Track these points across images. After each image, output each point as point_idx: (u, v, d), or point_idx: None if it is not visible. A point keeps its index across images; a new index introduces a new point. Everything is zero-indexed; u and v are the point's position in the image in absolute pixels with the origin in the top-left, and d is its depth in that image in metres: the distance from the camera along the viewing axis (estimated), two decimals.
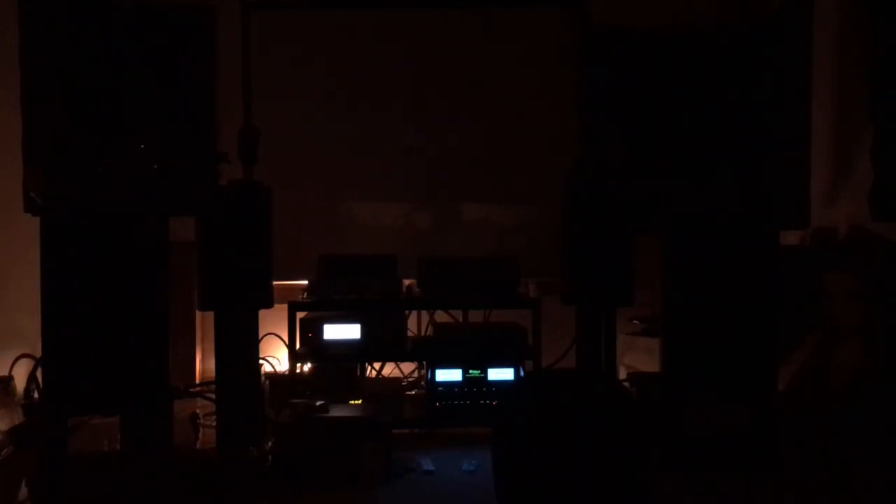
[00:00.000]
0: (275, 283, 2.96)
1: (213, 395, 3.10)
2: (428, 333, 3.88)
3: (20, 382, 3.33)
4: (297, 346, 3.28)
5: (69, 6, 3.77)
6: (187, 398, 3.44)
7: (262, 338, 3.13)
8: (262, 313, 2.95)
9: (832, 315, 3.14)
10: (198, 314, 3.94)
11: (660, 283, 2.88)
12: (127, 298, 2.69)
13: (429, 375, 3.24)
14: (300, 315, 3.31)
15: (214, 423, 2.96)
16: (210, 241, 2.84)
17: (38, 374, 3.28)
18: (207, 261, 2.84)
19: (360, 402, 3.06)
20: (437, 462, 2.83)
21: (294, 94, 3.91)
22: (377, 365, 3.84)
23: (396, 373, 3.91)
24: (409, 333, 3.78)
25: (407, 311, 3.72)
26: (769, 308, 2.82)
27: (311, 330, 3.28)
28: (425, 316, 3.94)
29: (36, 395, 3.35)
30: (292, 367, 3.31)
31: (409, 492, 2.58)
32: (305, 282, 3.46)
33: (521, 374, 3.25)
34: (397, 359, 3.75)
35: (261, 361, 3.38)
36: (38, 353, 2.97)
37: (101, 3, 3.83)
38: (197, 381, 3.92)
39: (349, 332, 3.30)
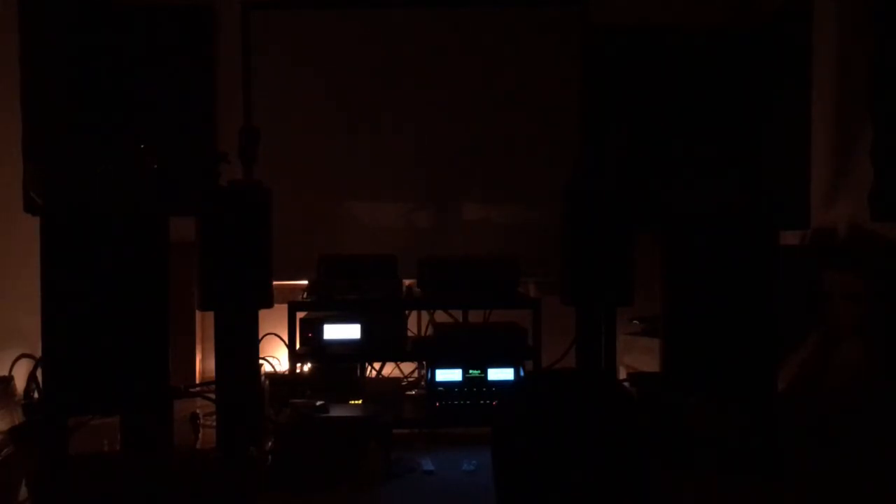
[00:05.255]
0: (275, 283, 2.96)
1: (213, 395, 3.10)
2: (428, 333, 3.88)
3: (20, 382, 3.33)
4: (297, 346, 3.28)
5: (69, 7, 3.77)
6: (187, 398, 3.44)
7: (262, 338, 3.13)
8: (262, 313, 2.95)
9: (832, 315, 3.14)
10: (198, 314, 3.94)
11: (660, 283, 2.88)
12: (127, 298, 2.69)
13: (429, 375, 3.24)
14: (300, 315, 3.31)
15: (214, 423, 2.96)
16: (210, 241, 2.84)
17: (38, 374, 3.28)
18: (207, 261, 2.84)
19: (360, 402, 3.06)
20: (437, 462, 2.83)
21: (294, 93, 3.92)
22: (377, 365, 3.84)
23: (396, 373, 3.91)
24: (409, 333, 3.78)
25: (407, 311, 3.71)
26: (769, 308, 2.82)
27: (311, 330, 3.28)
28: (425, 316, 3.94)
29: (36, 395, 3.35)
30: (292, 367, 3.31)
31: (409, 492, 2.58)
32: (305, 282, 3.46)
33: (521, 374, 3.25)
34: (397, 359, 3.75)
35: (261, 361, 3.38)
36: (38, 353, 2.97)
37: (101, 3, 3.83)
38: (197, 381, 3.92)
39: (349, 332, 3.30)
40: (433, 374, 3.22)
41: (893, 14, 3.00)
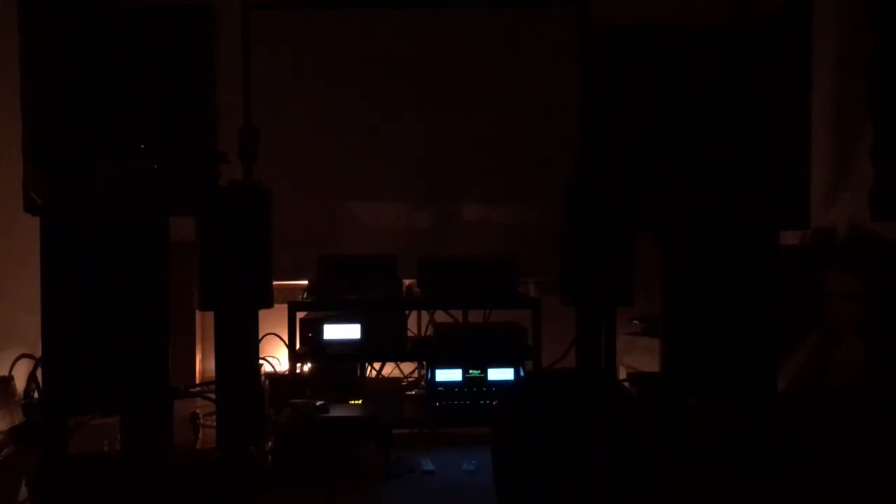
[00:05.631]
0: (275, 283, 2.96)
1: (213, 395, 3.10)
2: (428, 333, 3.88)
3: (20, 382, 3.33)
4: (297, 346, 3.28)
5: (69, 7, 3.77)
6: (187, 398, 3.44)
7: (262, 338, 3.13)
8: (262, 313, 2.95)
9: (832, 315, 3.14)
10: (198, 314, 3.94)
11: (660, 283, 2.88)
12: (127, 298, 2.69)
13: (429, 375, 3.24)
14: (300, 315, 3.31)
15: (214, 423, 2.96)
16: (210, 241, 2.84)
17: (38, 374, 3.28)
18: (207, 261, 2.84)
19: (360, 402, 3.06)
20: (437, 462, 2.83)
21: (294, 93, 3.92)
22: (377, 365, 3.84)
23: (396, 373, 3.91)
24: (409, 333, 3.78)
25: (407, 311, 3.71)
26: (769, 308, 2.82)
27: (311, 330, 3.28)
28: (425, 316, 3.94)
29: (36, 395, 3.35)
30: (292, 367, 3.31)
31: (409, 492, 2.58)
32: (305, 282, 3.46)
33: (521, 374, 3.25)
34: (397, 359, 3.75)
35: (261, 361, 3.38)
36: (38, 353, 2.97)
37: (101, 3, 3.83)
38: (197, 381, 3.92)
39: (349, 332, 3.30)
40: (433, 374, 3.22)
41: (893, 14, 3.00)
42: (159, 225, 2.74)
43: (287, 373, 3.44)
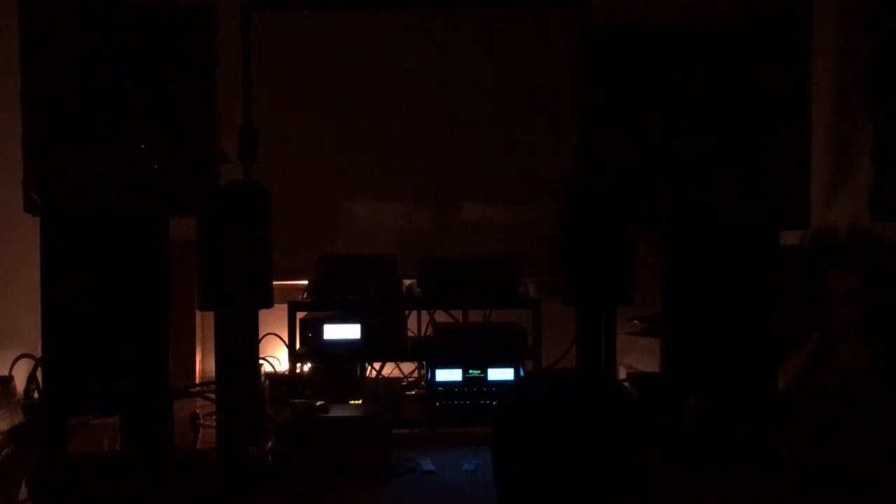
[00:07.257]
0: (275, 283, 2.96)
1: (213, 395, 3.10)
2: (428, 333, 3.88)
3: (20, 382, 3.34)
4: (297, 346, 3.28)
5: (69, 6, 3.77)
6: (187, 398, 3.44)
7: (262, 338, 3.13)
8: (262, 313, 2.95)
9: (832, 315, 3.14)
10: (198, 314, 3.94)
11: (660, 283, 2.88)
12: (127, 298, 2.69)
13: (429, 375, 3.24)
14: (300, 315, 3.31)
15: (214, 423, 2.96)
16: (210, 241, 2.84)
17: (38, 374, 3.28)
18: (207, 261, 2.84)
19: (360, 402, 3.06)
20: (437, 462, 2.83)
21: (294, 93, 3.91)
22: (377, 365, 3.84)
23: (396, 373, 3.91)
24: (409, 333, 3.78)
25: (407, 311, 3.71)
26: (769, 308, 2.82)
27: (311, 330, 3.28)
28: (425, 316, 3.94)
29: (36, 395, 3.35)
30: (292, 367, 3.31)
31: (409, 492, 2.58)
32: (305, 282, 3.46)
33: (521, 374, 3.25)
34: (397, 359, 3.74)
35: (261, 361, 3.38)
36: (38, 353, 2.97)
37: (101, 3, 3.83)
38: (197, 381, 3.92)
39: (349, 332, 3.30)
40: (433, 374, 3.22)
41: (893, 13, 3.01)
42: (159, 225, 2.74)
43: (287, 373, 3.44)
